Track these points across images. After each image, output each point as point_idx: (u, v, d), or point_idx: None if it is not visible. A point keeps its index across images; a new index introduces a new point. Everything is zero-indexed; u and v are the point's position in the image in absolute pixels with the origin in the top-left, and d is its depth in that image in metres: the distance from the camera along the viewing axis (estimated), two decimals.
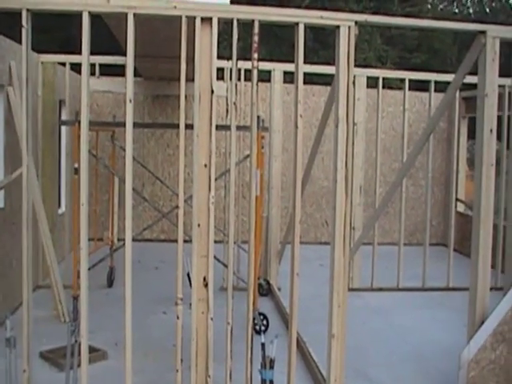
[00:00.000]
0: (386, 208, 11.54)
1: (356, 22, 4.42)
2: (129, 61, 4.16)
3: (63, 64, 8.64)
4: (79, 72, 4.27)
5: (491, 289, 4.89)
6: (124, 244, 4.25)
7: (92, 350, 5.32)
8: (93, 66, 9.17)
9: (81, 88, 4.16)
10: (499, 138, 8.75)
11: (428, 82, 8.91)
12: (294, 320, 4.44)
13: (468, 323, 4.82)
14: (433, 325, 7.32)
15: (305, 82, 4.45)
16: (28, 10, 4.06)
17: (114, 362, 5.63)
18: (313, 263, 9.80)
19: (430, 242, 9.53)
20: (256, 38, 4.29)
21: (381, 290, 8.73)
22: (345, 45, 4.38)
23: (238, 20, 4.25)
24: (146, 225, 9.86)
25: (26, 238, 4.19)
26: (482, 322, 4.63)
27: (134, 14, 4.09)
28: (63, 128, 9.29)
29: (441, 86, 9.29)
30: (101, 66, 9.31)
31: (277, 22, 4.49)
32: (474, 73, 5.00)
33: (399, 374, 5.84)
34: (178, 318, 4.23)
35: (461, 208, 12.02)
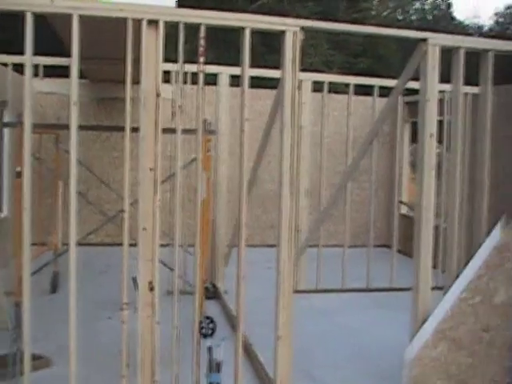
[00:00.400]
0: (331, 210, 11.67)
1: (302, 28, 4.48)
2: (73, 62, 4.12)
3: (5, 65, 8.46)
4: (22, 73, 4.20)
5: (433, 288, 5.01)
6: (68, 248, 4.19)
7: (35, 357, 5.22)
8: (37, 66, 9.02)
9: (24, 89, 4.09)
10: (440, 141, 8.99)
11: (372, 86, 9.07)
12: (241, 323, 4.46)
13: (410, 322, 4.92)
14: (377, 325, 7.44)
15: (251, 86, 4.49)
16: None
17: (58, 369, 5.54)
18: (259, 266, 9.82)
19: (374, 243, 9.69)
20: (202, 42, 4.31)
21: (326, 291, 8.83)
22: (290, 50, 4.44)
23: (184, 23, 4.25)
24: (91, 229, 9.71)
25: None
26: (424, 321, 4.74)
27: (80, 15, 4.06)
28: (6, 130, 9.09)
29: (385, 91, 9.47)
30: (45, 67, 9.16)
31: (223, 27, 4.51)
32: (416, 78, 5.11)
33: (344, 374, 5.91)
34: (123, 322, 4.20)
35: (404, 210, 12.25)
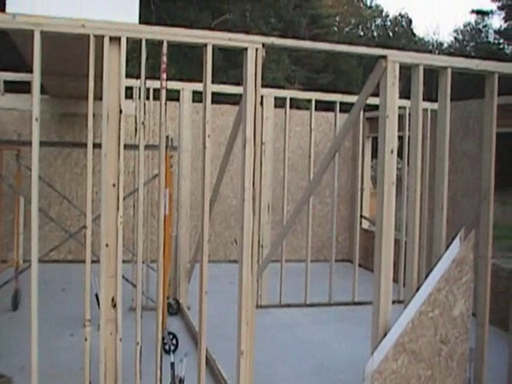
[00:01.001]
0: (294, 225, 11.76)
1: (263, 45, 4.54)
2: (35, 78, 4.10)
3: None
4: None
5: (394, 302, 5.08)
6: (30, 265, 4.16)
7: None
8: None
9: None
10: (401, 156, 9.14)
11: (334, 102, 9.19)
12: (203, 338, 4.47)
13: (371, 336, 4.98)
14: (339, 338, 7.50)
15: (213, 101, 4.53)
16: None
17: None
18: (222, 281, 9.85)
19: (336, 258, 9.79)
20: (164, 59, 4.33)
21: (289, 306, 8.87)
22: (252, 66, 4.49)
23: (146, 40, 4.28)
24: (53, 245, 9.61)
25: None
26: (385, 334, 4.80)
27: (41, 32, 4.05)
28: None
29: (346, 107, 9.61)
30: (5, 82, 9.07)
31: (186, 43, 4.54)
32: (377, 94, 5.21)
33: None
34: (86, 339, 4.18)
35: (365, 225, 12.39)
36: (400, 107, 5.34)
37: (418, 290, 4.93)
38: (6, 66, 7.86)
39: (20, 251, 8.77)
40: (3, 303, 7.95)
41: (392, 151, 4.94)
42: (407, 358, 4.73)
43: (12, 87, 9.29)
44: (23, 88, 8.68)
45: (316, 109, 9.17)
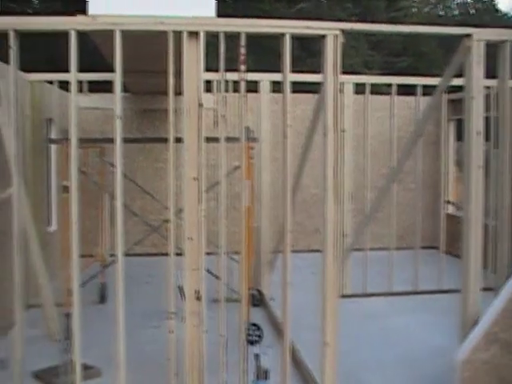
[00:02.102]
0: (376, 213, 11.57)
1: (342, 31, 4.45)
2: (117, 77, 4.18)
3: (51, 82, 8.62)
4: (67, 90, 4.28)
5: (483, 289, 4.92)
6: (115, 260, 4.25)
7: (85, 367, 5.30)
8: (81, 82, 9.17)
9: (69, 105, 4.17)
10: (488, 138, 8.82)
11: (415, 86, 8.96)
12: (287, 329, 4.45)
13: (460, 325, 4.84)
14: (425, 327, 7.34)
15: (292, 91, 4.48)
16: (15, 30, 4.07)
17: (108, 379, 5.60)
18: (304, 271, 9.79)
19: (421, 245, 9.56)
20: (243, 50, 4.32)
21: (373, 295, 8.74)
22: (331, 53, 4.42)
23: (224, 33, 4.28)
24: (137, 239, 9.82)
25: (17, 257, 4.18)
26: (475, 323, 4.65)
27: (121, 31, 4.12)
28: (53, 146, 9.27)
29: (428, 90, 9.35)
30: (89, 82, 9.31)
31: (263, 34, 4.52)
32: (460, 75, 5.03)
33: (391, 377, 5.85)
34: (170, 332, 4.23)
35: (451, 210, 12.06)
36: (486, 87, 5.13)
37: (508, 276, 4.75)
38: (88, 66, 8.03)
39: (106, 246, 8.99)
40: (91, 297, 8.17)
41: (478, 133, 4.76)
42: (499, 348, 4.57)
43: (95, 87, 9.52)
44: (106, 87, 8.89)
45: (396, 93, 8.97)
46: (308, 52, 18.05)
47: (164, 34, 4.15)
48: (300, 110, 12.14)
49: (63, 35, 4.12)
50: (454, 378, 4.67)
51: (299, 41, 17.86)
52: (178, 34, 4.16)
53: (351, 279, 8.81)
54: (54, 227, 9.34)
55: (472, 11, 39.21)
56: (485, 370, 4.57)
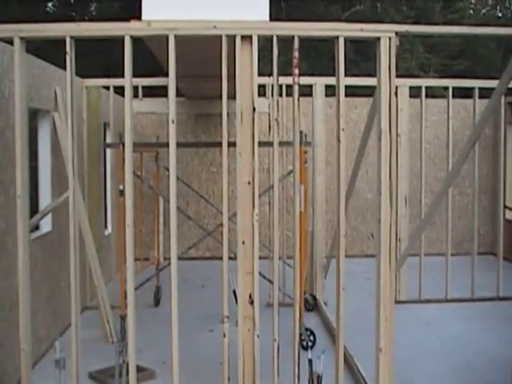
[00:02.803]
0: (433, 218, 11.37)
1: (396, 33, 4.39)
2: (171, 82, 4.21)
3: (107, 87, 8.79)
4: (123, 94, 4.35)
5: None
6: (170, 263, 4.28)
7: (140, 369, 5.36)
8: (136, 87, 9.32)
9: (124, 110, 4.23)
10: None
11: (472, 88, 8.78)
12: (341, 335, 4.40)
13: None
14: (483, 336, 7.17)
15: (346, 95, 4.44)
16: (72, 37, 4.15)
17: (161, 381, 5.66)
18: (359, 276, 9.71)
19: (479, 251, 9.35)
20: (296, 54, 4.30)
21: (429, 301, 8.59)
22: (386, 56, 4.36)
23: (277, 36, 4.27)
24: (192, 243, 9.90)
25: (73, 259, 4.26)
26: None
27: (175, 36, 4.15)
28: (108, 150, 9.44)
29: (485, 93, 9.15)
30: (143, 87, 9.45)
31: (317, 37, 4.50)
32: None
33: None
34: (224, 335, 4.24)
35: (509, 215, 11.76)
36: None
37: None
38: (143, 71, 8.15)
39: (160, 249, 9.10)
40: (146, 300, 8.27)
41: None
42: None
43: (150, 92, 9.66)
44: (160, 92, 9.02)
45: (453, 96, 8.81)
46: (363, 56, 17.90)
47: (217, 38, 4.17)
48: (355, 114, 12.06)
49: (119, 41, 4.19)
50: None
51: (354, 44, 17.75)
52: (231, 38, 4.17)
53: (406, 285, 8.68)
54: (109, 230, 9.50)
55: None
56: None
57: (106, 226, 9.68)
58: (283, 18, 15.97)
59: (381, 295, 4.39)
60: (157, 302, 8.49)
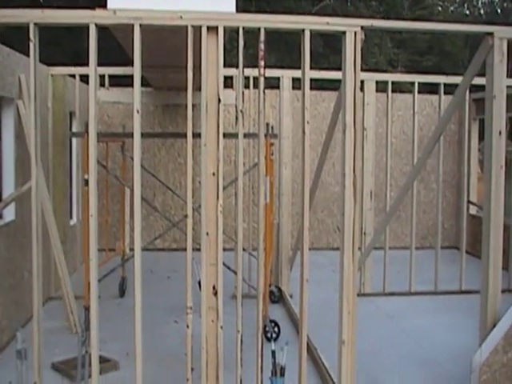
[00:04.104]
0: (398, 212, 11.50)
1: (362, 27, 4.42)
2: (136, 71, 4.18)
3: (73, 76, 8.69)
4: (89, 83, 4.30)
5: (504, 291, 4.86)
6: (134, 254, 4.26)
7: (103, 360, 5.34)
8: (102, 77, 9.24)
9: (89, 99, 4.19)
10: (511, 138, 8.72)
11: (438, 84, 8.88)
12: (304, 326, 4.43)
13: (480, 326, 4.79)
14: (445, 329, 7.28)
15: (314, 88, 4.46)
16: (35, 24, 4.10)
17: (125, 372, 5.64)
18: (325, 269, 9.79)
19: (443, 245, 9.50)
20: (262, 46, 4.30)
21: (393, 294, 8.69)
22: (351, 50, 4.39)
23: (244, 28, 4.27)
24: (158, 234, 9.86)
25: (36, 249, 4.22)
26: (494, 325, 4.60)
27: (140, 25, 4.12)
28: (74, 139, 9.34)
29: (451, 89, 9.26)
30: (110, 76, 9.37)
31: (283, 29, 4.50)
32: (484, 74, 4.98)
33: (410, 378, 5.82)
34: (187, 326, 4.24)
35: (473, 210, 11.96)
36: (509, 86, 5.07)
37: None
38: (110, 60, 8.08)
39: (126, 240, 9.05)
40: (111, 290, 8.23)
41: (500, 133, 4.70)
42: None
43: (117, 81, 9.57)
44: (127, 82, 8.94)
45: (419, 92, 8.90)
46: (332, 49, 17.99)
47: (183, 28, 4.15)
48: (322, 107, 12.10)
49: (87, 29, 4.15)
50: (472, 380, 4.62)
51: (324, 38, 17.82)
52: (197, 29, 4.15)
53: (371, 278, 8.76)
54: (74, 220, 9.42)
55: (498, 10, 38.79)
56: (503, 372, 4.52)
57: (71, 216, 9.59)
58: (253, 11, 15.95)
59: (344, 288, 4.44)
60: (122, 293, 8.45)
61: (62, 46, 15.93)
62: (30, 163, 4.30)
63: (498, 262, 4.73)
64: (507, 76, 4.84)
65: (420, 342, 6.81)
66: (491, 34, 4.71)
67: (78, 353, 4.61)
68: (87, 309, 6.63)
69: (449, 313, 7.97)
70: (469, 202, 11.12)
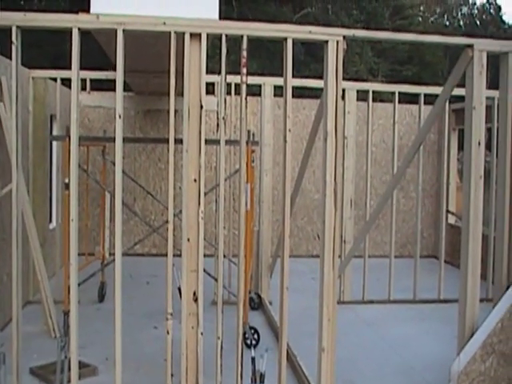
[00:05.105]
0: (377, 220, 11.57)
1: (344, 37, 4.46)
2: (118, 76, 4.19)
3: (54, 79, 8.65)
4: (70, 87, 4.29)
5: (482, 300, 4.91)
6: (114, 259, 4.25)
7: (82, 365, 5.30)
8: (84, 81, 9.20)
9: (71, 103, 4.18)
10: (490, 149, 8.82)
11: (418, 94, 8.96)
12: (284, 333, 4.44)
13: (458, 335, 4.83)
14: (424, 337, 7.32)
15: (295, 96, 4.49)
16: (18, 26, 4.09)
17: (104, 378, 5.60)
18: (305, 276, 9.80)
19: (422, 254, 9.55)
20: (244, 54, 4.32)
21: (372, 302, 8.73)
22: (333, 59, 4.42)
23: (227, 35, 4.29)
24: (138, 239, 9.83)
25: (15, 253, 4.19)
26: (472, 334, 4.64)
27: (124, 30, 4.13)
28: (54, 143, 9.29)
29: (431, 99, 9.35)
30: (92, 80, 9.34)
31: (265, 38, 4.53)
32: (463, 85, 5.04)
33: None
34: (167, 332, 4.23)
35: (452, 220, 12.06)
36: (488, 98, 5.14)
37: (508, 288, 4.75)
38: (92, 65, 8.07)
39: (106, 245, 9.00)
40: (90, 295, 8.17)
41: (479, 143, 4.76)
42: (496, 360, 4.56)
43: (98, 85, 9.55)
44: (109, 86, 8.92)
45: (400, 101, 8.97)
46: (314, 57, 18.08)
47: (166, 34, 4.16)
48: (304, 115, 12.15)
49: (69, 32, 4.14)
50: None
51: (305, 47, 17.91)
52: (180, 35, 4.17)
53: (350, 286, 8.80)
54: (54, 224, 9.35)
55: (478, 22, 39.31)
56: (481, 381, 4.56)
57: (50, 220, 9.52)
58: (234, 18, 16.00)
59: (324, 295, 4.46)
60: (101, 298, 8.40)
61: (43, 49, 15.87)
62: (10, 166, 4.28)
63: (476, 272, 4.78)
64: (486, 87, 4.90)
65: (398, 350, 6.84)
66: (471, 46, 4.78)
67: (57, 358, 4.59)
68: (66, 313, 6.58)
69: (427, 321, 8.02)
70: (448, 211, 11.22)
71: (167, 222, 4.30)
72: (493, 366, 4.56)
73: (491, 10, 44.94)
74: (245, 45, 4.30)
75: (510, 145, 4.94)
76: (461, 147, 12.43)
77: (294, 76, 4.51)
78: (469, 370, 4.50)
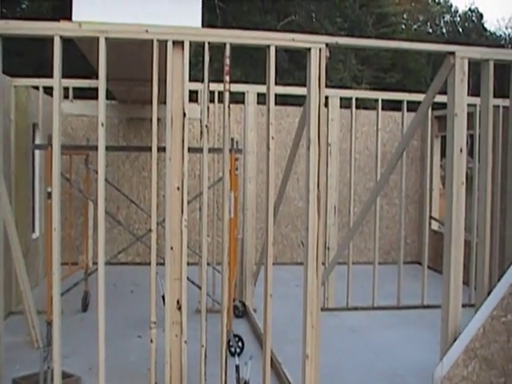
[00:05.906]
0: (361, 227, 11.59)
1: (327, 44, 4.48)
2: (101, 84, 4.18)
3: (36, 87, 8.61)
4: (52, 95, 4.27)
5: (464, 306, 4.93)
6: (97, 268, 4.23)
7: (66, 375, 5.25)
8: (67, 89, 9.16)
9: (53, 111, 4.16)
10: (472, 155, 8.88)
11: (401, 101, 9.01)
12: (268, 341, 4.44)
13: (441, 340, 4.85)
14: (407, 343, 7.34)
15: (278, 103, 4.50)
16: (0, 34, 4.07)
17: None
18: (289, 284, 9.81)
19: (405, 260, 9.59)
20: (228, 61, 4.33)
21: (356, 309, 8.75)
22: (316, 67, 4.44)
23: (209, 43, 4.29)
24: (121, 248, 9.78)
25: None
26: (455, 339, 4.66)
27: (106, 38, 4.12)
28: (37, 152, 9.23)
29: (414, 106, 9.41)
30: (75, 89, 9.31)
31: (248, 45, 4.55)
32: (446, 92, 5.08)
33: None
34: (151, 341, 4.22)
35: (435, 226, 12.12)
36: (470, 105, 5.18)
37: (489, 293, 4.77)
38: (75, 73, 8.04)
39: (89, 254, 8.95)
40: (73, 305, 8.12)
41: (461, 150, 4.80)
42: (478, 365, 4.58)
43: (81, 94, 9.52)
44: (92, 94, 8.90)
45: (383, 108, 9.02)
46: (297, 65, 18.14)
47: (149, 42, 4.16)
48: (287, 122, 12.18)
49: (51, 40, 4.12)
50: None
51: (289, 54, 17.97)
52: (163, 43, 4.17)
53: (334, 293, 8.81)
54: (37, 234, 9.29)
55: (460, 30, 39.64)
56: None
57: (33, 229, 9.45)
58: (218, 26, 16.03)
59: (308, 302, 4.46)
60: (85, 307, 8.34)
61: (25, 57, 15.79)
62: None
63: (458, 277, 4.80)
64: (468, 94, 4.94)
65: (382, 355, 6.86)
66: (453, 53, 4.81)
67: (40, 368, 4.55)
68: (49, 323, 6.54)
69: (411, 327, 8.05)
70: (431, 217, 11.28)
71: (151, 230, 4.29)
72: (475, 371, 4.58)
73: (473, 18, 45.39)
74: (228, 52, 4.31)
75: (492, 151, 4.98)
76: (443, 154, 12.49)
77: (277, 83, 4.53)
78: (452, 375, 4.52)
